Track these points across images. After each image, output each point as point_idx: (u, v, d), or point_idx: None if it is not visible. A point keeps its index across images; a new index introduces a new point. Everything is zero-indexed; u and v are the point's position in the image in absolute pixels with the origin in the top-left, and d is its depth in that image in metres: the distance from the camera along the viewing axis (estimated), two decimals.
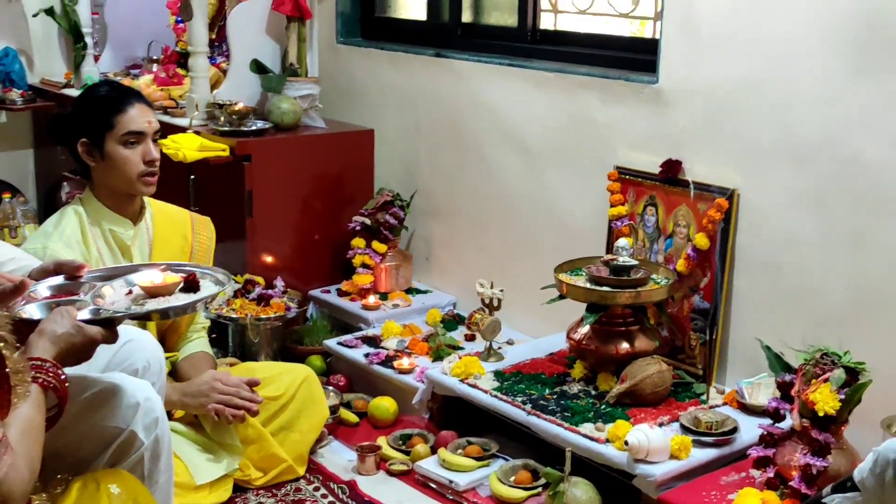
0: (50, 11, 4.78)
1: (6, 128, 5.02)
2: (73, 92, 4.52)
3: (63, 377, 1.53)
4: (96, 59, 4.88)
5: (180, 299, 1.80)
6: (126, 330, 2.17)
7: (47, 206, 4.98)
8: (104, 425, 1.82)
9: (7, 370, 1.33)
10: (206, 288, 1.87)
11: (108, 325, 1.69)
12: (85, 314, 1.69)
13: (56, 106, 4.64)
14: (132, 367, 2.07)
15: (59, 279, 1.87)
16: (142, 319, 1.81)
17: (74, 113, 2.72)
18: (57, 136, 2.74)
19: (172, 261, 2.79)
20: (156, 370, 2.12)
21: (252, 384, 2.77)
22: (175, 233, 2.87)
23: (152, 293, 1.82)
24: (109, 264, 2.68)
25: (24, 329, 1.60)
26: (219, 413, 2.68)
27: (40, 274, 1.89)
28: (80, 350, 1.62)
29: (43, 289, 1.84)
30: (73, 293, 1.82)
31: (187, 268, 1.95)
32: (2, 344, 1.31)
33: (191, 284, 1.85)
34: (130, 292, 1.84)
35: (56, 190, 4.79)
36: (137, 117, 2.68)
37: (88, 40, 4.74)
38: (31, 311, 1.72)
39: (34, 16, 4.88)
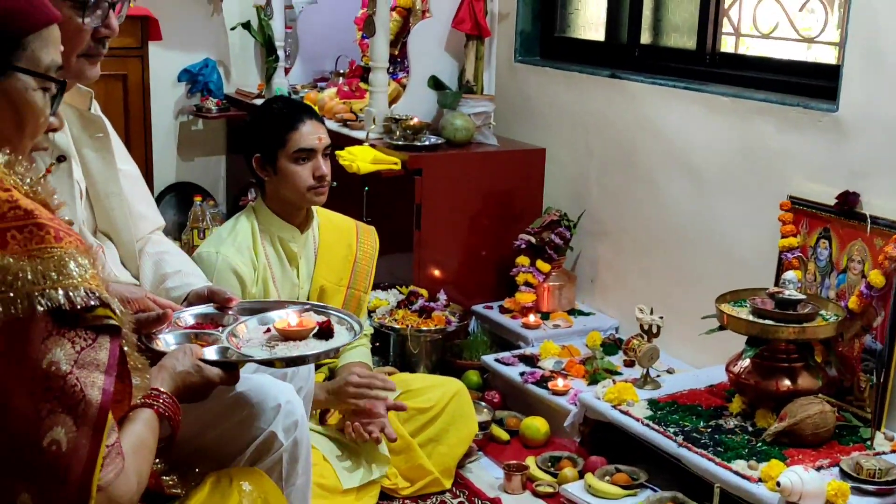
0: (247, 25, 5.04)
1: (201, 134, 5.32)
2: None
3: (178, 411, 1.57)
4: (287, 71, 5.09)
5: (309, 348, 1.83)
6: None
7: (235, 209, 5.23)
8: (246, 425, 1.89)
9: (129, 366, 1.39)
10: (339, 334, 1.90)
11: (230, 368, 1.74)
12: (211, 353, 1.74)
13: (247, 115, 4.87)
14: (281, 370, 2.14)
15: (207, 308, 1.96)
16: (265, 365, 1.86)
17: (249, 129, 2.86)
18: (237, 146, 2.88)
19: (335, 268, 2.90)
20: (304, 374, 2.19)
21: (398, 409, 2.82)
22: (340, 241, 2.96)
23: (286, 336, 1.86)
24: (276, 271, 2.80)
25: (152, 359, 1.67)
26: (355, 431, 2.74)
27: (196, 299, 1.99)
28: (197, 389, 1.67)
29: (188, 317, 1.92)
30: (217, 323, 1.90)
31: (328, 312, 1.98)
32: (124, 340, 1.37)
33: (325, 331, 1.88)
34: (269, 330, 1.90)
35: (244, 194, 5.03)
36: (308, 135, 2.77)
37: (280, 53, 4.96)
38: (168, 339, 1.80)
39: (232, 29, 5.16)
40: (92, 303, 1.31)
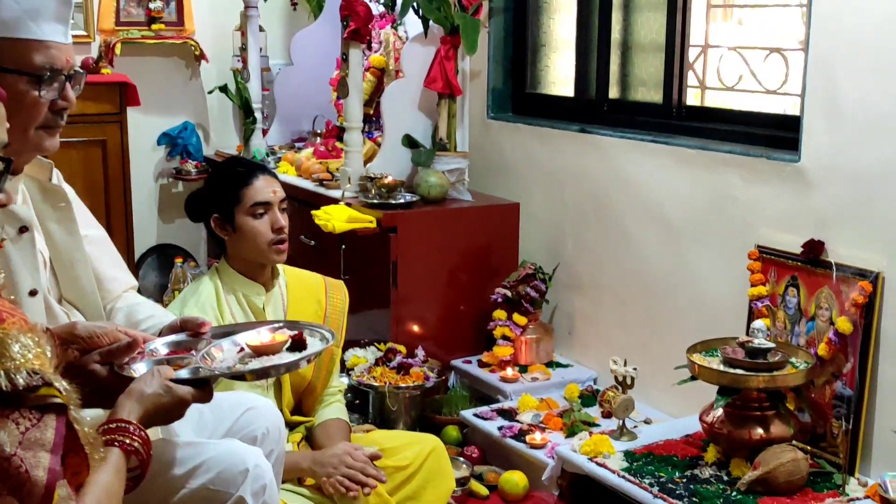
0: (224, 88, 5.10)
1: (182, 196, 5.31)
2: None
3: (147, 439, 1.58)
4: (265, 132, 5.15)
5: (281, 358, 1.85)
6: (248, 397, 2.28)
7: (207, 264, 5.27)
8: (214, 490, 1.90)
9: (81, 442, 1.39)
10: (313, 346, 1.92)
11: (203, 385, 1.74)
12: (182, 373, 1.75)
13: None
14: (251, 434, 2.16)
15: (180, 336, 1.97)
16: (236, 379, 1.87)
17: (205, 191, 2.90)
18: (193, 213, 2.92)
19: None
20: (275, 437, 2.20)
21: (374, 458, 2.82)
22: (309, 297, 2.98)
23: (259, 352, 1.88)
24: None
25: (127, 385, 1.68)
26: (331, 484, 2.73)
27: (168, 331, 2.01)
28: (168, 410, 1.67)
29: (161, 346, 1.92)
30: (191, 350, 1.91)
31: (300, 326, 2.00)
32: (70, 418, 1.37)
33: (297, 343, 1.90)
34: (242, 350, 1.91)
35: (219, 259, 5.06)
36: (263, 188, 2.82)
37: (258, 115, 5.02)
38: (140, 368, 1.80)
39: (210, 92, 5.23)
40: (34, 383, 1.31)
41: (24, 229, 1.98)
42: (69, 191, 2.17)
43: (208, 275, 2.92)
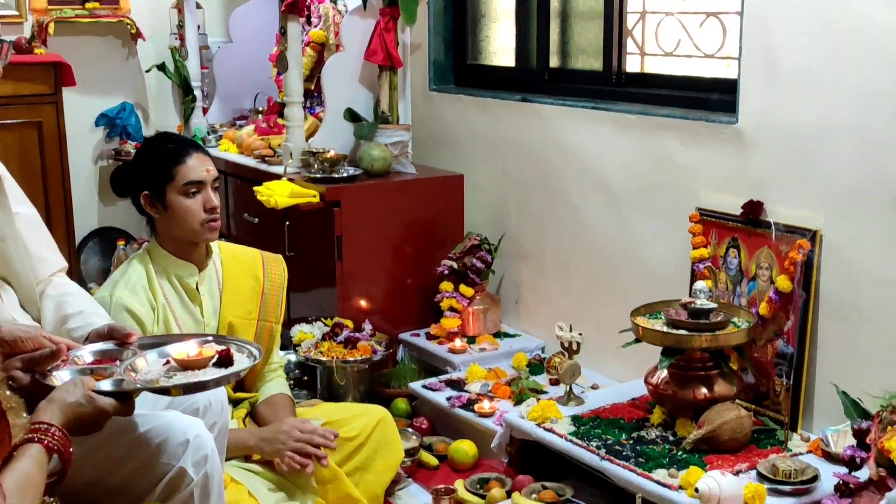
0: (162, 67, 5.03)
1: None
2: None
3: (69, 444, 1.55)
4: (205, 111, 5.08)
5: (207, 375, 1.83)
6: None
7: (136, 243, 5.19)
8: (155, 462, 1.88)
9: (2, 407, 1.36)
10: (240, 362, 1.90)
11: (125, 398, 1.72)
12: (107, 385, 1.72)
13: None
14: (193, 407, 2.13)
15: (106, 345, 1.93)
16: (160, 394, 1.85)
17: (135, 167, 2.83)
18: (119, 188, 2.85)
19: (242, 302, 2.88)
20: (217, 410, 2.17)
21: (334, 435, 2.80)
22: (245, 274, 2.93)
23: (185, 366, 1.85)
24: (178, 309, 2.77)
25: (48, 393, 1.64)
26: (285, 462, 2.72)
27: (96, 337, 1.96)
28: (89, 421, 1.64)
29: (86, 354, 1.89)
30: (116, 359, 1.88)
31: (227, 341, 1.98)
32: None
33: (224, 359, 1.88)
34: (168, 362, 1.88)
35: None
36: (196, 167, 2.75)
37: (198, 93, 4.96)
38: (63, 376, 1.77)
39: (147, 71, 5.15)
40: None
41: None
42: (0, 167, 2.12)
43: (137, 256, 2.85)
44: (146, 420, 1.92)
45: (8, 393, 1.38)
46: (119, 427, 1.89)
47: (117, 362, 1.85)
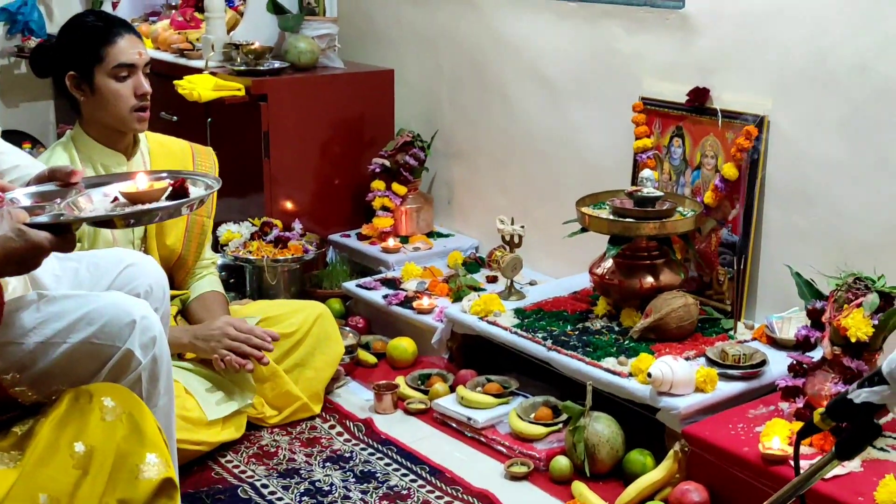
0: None
1: (25, 78, 4.96)
2: None
3: None
4: (115, 6, 4.79)
5: (158, 204, 1.67)
6: (128, 254, 2.11)
7: (57, 130, 4.95)
8: (99, 343, 1.74)
9: None
10: (195, 193, 1.74)
11: (65, 232, 1.56)
12: (42, 218, 1.56)
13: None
14: (134, 292, 1.98)
15: (47, 186, 1.74)
16: (105, 226, 1.66)
17: (60, 44, 2.61)
18: (42, 68, 2.65)
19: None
20: (158, 296, 2.04)
21: (273, 338, 2.69)
22: (175, 165, 2.75)
23: (135, 200, 1.69)
24: None
25: None
26: (225, 362, 2.61)
27: (36, 181, 1.77)
28: (21, 256, 1.50)
29: (23, 196, 1.70)
30: (59, 200, 1.69)
31: (182, 175, 1.81)
32: None
33: (178, 191, 1.72)
34: (116, 200, 1.72)
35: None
36: (127, 48, 2.57)
37: None
38: None
39: None
40: None
41: None
42: None
43: (61, 143, 2.67)
44: (86, 300, 1.78)
45: None
46: (54, 308, 1.76)
47: (57, 200, 1.67)
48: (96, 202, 1.73)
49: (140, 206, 1.65)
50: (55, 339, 1.73)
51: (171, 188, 1.73)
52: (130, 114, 2.59)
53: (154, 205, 1.66)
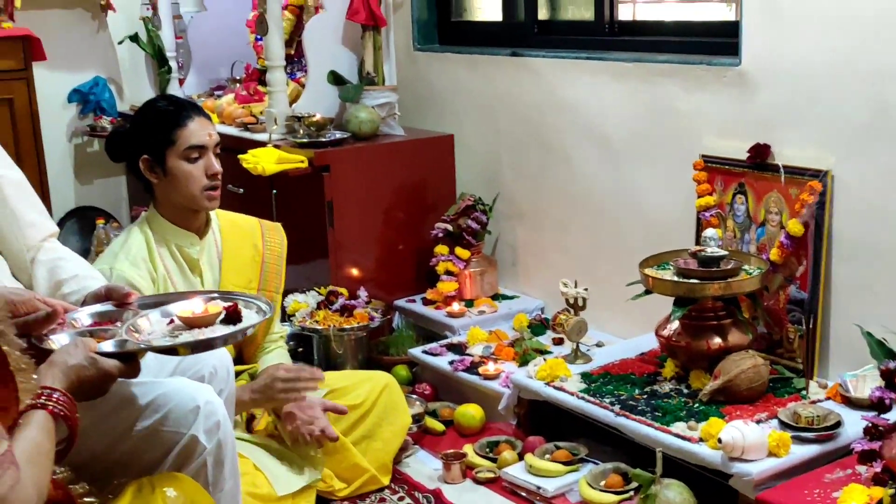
0: (135, 38, 4.87)
1: (98, 155, 5.12)
2: None
3: (74, 408, 1.45)
4: (181, 82, 4.94)
5: (215, 331, 1.72)
6: None
7: (132, 212, 5.07)
8: (164, 430, 1.77)
9: (10, 368, 1.26)
10: (248, 318, 1.78)
11: (130, 359, 1.61)
12: (108, 346, 1.61)
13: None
14: (199, 374, 2.03)
15: (105, 306, 1.81)
16: (167, 353, 1.73)
17: (134, 129, 2.70)
18: (117, 153, 2.73)
19: (242, 272, 2.78)
20: (223, 376, 2.07)
21: (338, 412, 2.71)
22: (244, 242, 2.83)
23: (191, 324, 1.74)
24: (178, 280, 2.66)
25: (46, 357, 1.54)
26: (296, 434, 2.63)
27: (93, 299, 1.84)
28: (93, 384, 1.54)
29: (85, 316, 1.77)
30: (115, 321, 1.76)
31: (234, 297, 1.86)
32: (2, 340, 1.24)
33: (232, 315, 1.76)
34: (172, 321, 1.77)
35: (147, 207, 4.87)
36: (198, 130, 2.64)
37: (173, 64, 4.81)
38: (61, 340, 1.66)
39: (119, 43, 4.99)
40: None
41: None
42: None
43: (137, 225, 2.74)
44: (153, 387, 1.81)
45: (17, 353, 1.27)
46: (125, 395, 1.79)
47: (117, 323, 1.74)
48: (154, 324, 1.78)
49: (200, 337, 1.70)
50: (123, 427, 1.76)
51: (224, 312, 1.77)
52: (202, 193, 2.66)
53: (213, 335, 1.71)
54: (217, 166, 2.66)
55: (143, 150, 2.65)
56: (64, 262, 2.09)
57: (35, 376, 1.35)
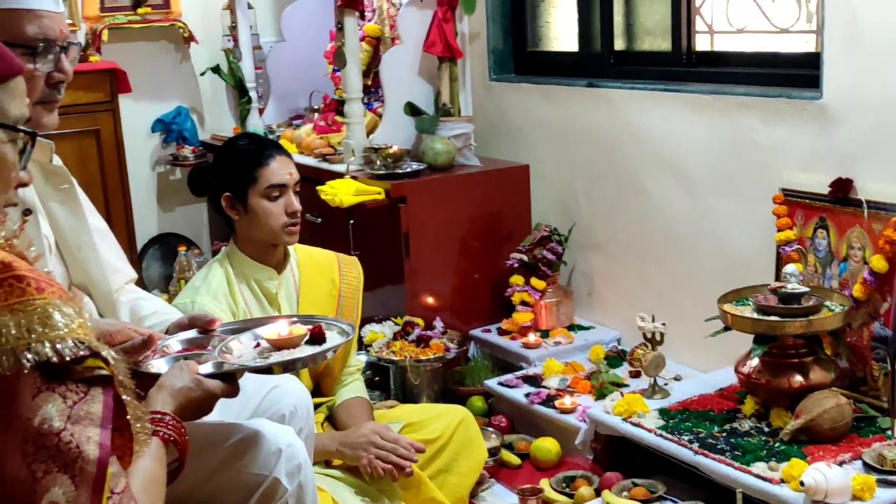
0: (216, 69, 4.98)
1: (180, 183, 5.24)
2: None
3: (183, 430, 1.51)
4: (261, 112, 5.03)
5: (304, 351, 1.76)
6: (273, 376, 2.18)
7: (213, 247, 5.17)
8: (247, 473, 1.81)
9: (128, 417, 1.32)
10: (332, 339, 1.82)
11: (229, 379, 1.67)
12: (207, 368, 1.67)
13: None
14: (279, 413, 2.06)
15: (191, 333, 1.87)
16: (263, 373, 1.77)
17: (216, 167, 2.77)
18: (200, 188, 2.80)
19: (319, 305, 2.82)
20: (302, 415, 2.11)
21: (418, 450, 2.72)
22: (322, 276, 2.87)
23: (278, 346, 1.78)
24: (257, 314, 2.70)
25: (148, 383, 1.60)
26: (371, 467, 2.65)
27: (176, 328, 1.90)
28: (199, 404, 1.60)
29: (174, 343, 1.83)
30: (204, 347, 1.81)
31: (315, 320, 1.90)
32: (121, 389, 1.30)
33: (316, 336, 1.80)
34: (258, 345, 1.81)
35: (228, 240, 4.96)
36: (279, 170, 2.70)
37: (253, 95, 4.91)
38: (159, 365, 1.72)
39: (202, 74, 5.11)
40: (81, 353, 1.24)
41: (27, 212, 1.89)
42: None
43: (217, 260, 2.81)
44: (235, 429, 1.85)
45: (135, 402, 1.33)
46: (209, 437, 1.83)
47: (208, 349, 1.80)
48: (243, 346, 1.83)
49: (291, 356, 1.74)
50: (207, 469, 1.80)
51: (309, 333, 1.81)
52: (282, 230, 2.71)
53: (302, 353, 1.75)
54: (297, 205, 2.72)
55: (225, 188, 2.71)
56: (143, 301, 2.16)
57: (150, 424, 1.42)
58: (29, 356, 1.20)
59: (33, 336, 1.21)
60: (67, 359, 1.23)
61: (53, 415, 1.22)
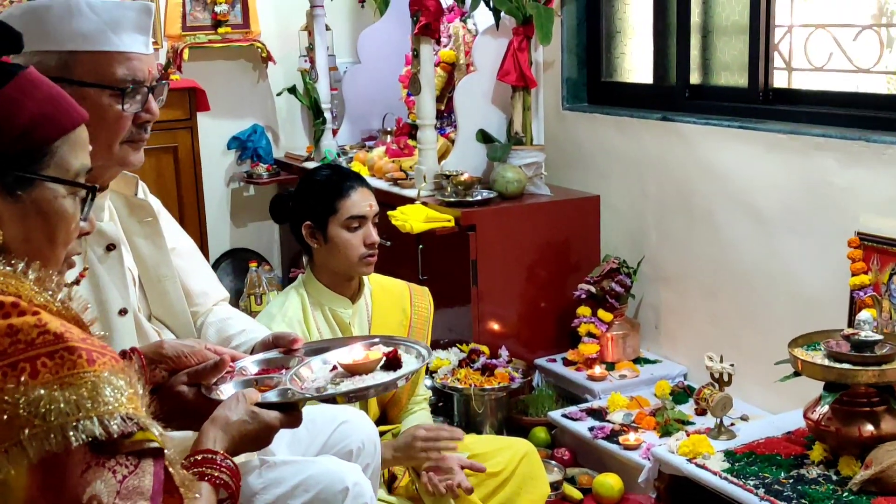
0: (292, 90, 5.06)
1: (253, 200, 5.34)
2: (313, 165, 4.74)
3: (235, 470, 1.47)
4: (335, 132, 5.10)
5: (373, 380, 1.73)
6: (342, 410, 2.21)
7: (290, 274, 5.23)
8: None
9: (175, 483, 1.31)
10: (408, 363, 1.80)
11: (291, 409, 1.63)
12: (270, 396, 1.64)
13: (297, 179, 4.88)
14: (346, 449, 2.09)
15: (271, 353, 1.87)
16: (325, 402, 1.78)
17: (298, 195, 2.82)
18: (281, 216, 2.85)
19: (391, 335, 2.85)
20: (370, 451, 2.13)
21: (476, 469, 2.74)
22: (394, 306, 2.91)
23: (352, 371, 1.77)
24: None
25: (215, 407, 1.59)
26: (432, 485, 2.67)
27: (261, 347, 1.91)
28: (255, 437, 1.56)
29: (251, 364, 1.82)
30: (282, 367, 1.81)
31: (395, 341, 1.89)
32: (166, 462, 1.29)
33: (392, 361, 1.79)
34: (334, 368, 1.80)
35: (299, 258, 5.03)
36: (360, 202, 2.75)
37: (327, 115, 4.97)
38: (228, 389, 1.71)
39: (278, 94, 5.20)
40: (129, 429, 1.24)
41: (111, 247, 1.94)
42: (156, 203, 2.12)
43: (294, 287, 2.86)
44: (303, 467, 1.88)
45: (182, 472, 1.32)
46: (276, 476, 1.86)
47: (283, 371, 1.77)
48: (316, 371, 1.81)
49: (359, 385, 1.72)
50: None
51: (385, 358, 1.80)
52: (359, 261, 2.76)
53: (371, 382, 1.72)
54: (375, 236, 2.76)
55: (306, 217, 2.76)
56: (231, 321, 2.17)
57: (197, 495, 1.39)
58: (77, 433, 1.19)
59: (82, 412, 1.20)
60: (115, 435, 1.22)
61: (102, 491, 1.21)
